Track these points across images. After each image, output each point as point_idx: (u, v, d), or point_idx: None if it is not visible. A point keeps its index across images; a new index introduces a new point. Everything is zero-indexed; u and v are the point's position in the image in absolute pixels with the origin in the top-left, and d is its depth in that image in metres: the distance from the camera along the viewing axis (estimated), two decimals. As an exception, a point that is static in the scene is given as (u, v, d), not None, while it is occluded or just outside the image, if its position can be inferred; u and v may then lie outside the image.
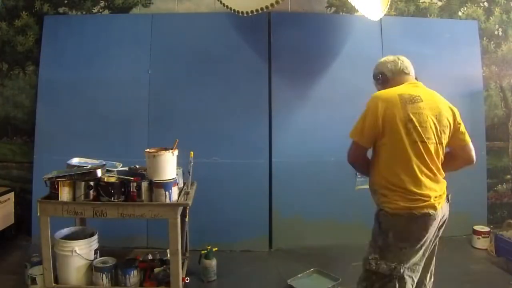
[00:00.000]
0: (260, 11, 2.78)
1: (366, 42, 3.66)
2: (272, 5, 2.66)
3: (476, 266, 3.07)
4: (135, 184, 2.34)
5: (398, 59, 1.98)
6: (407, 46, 3.68)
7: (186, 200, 2.47)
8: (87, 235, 2.59)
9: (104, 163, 2.61)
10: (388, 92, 1.83)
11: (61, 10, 3.71)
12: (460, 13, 3.91)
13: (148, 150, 2.49)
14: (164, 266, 2.57)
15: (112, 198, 2.32)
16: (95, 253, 2.55)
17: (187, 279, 2.59)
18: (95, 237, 2.57)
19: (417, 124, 1.71)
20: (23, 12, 3.69)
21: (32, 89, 3.66)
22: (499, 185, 3.93)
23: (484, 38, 3.92)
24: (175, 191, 2.39)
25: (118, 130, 3.52)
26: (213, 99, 3.52)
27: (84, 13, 3.70)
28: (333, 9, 3.78)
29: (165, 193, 2.33)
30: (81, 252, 2.43)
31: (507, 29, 3.96)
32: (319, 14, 3.74)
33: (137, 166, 2.65)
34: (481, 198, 3.81)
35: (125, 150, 3.49)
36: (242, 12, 2.88)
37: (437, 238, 1.88)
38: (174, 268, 2.35)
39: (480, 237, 3.40)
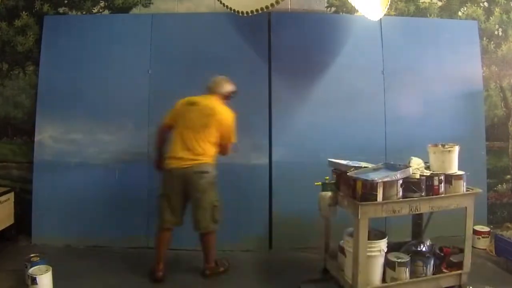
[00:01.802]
0: (260, 11, 2.77)
1: (366, 42, 3.66)
2: (272, 5, 2.66)
3: (476, 266, 3.06)
4: (437, 178, 2.49)
5: None
6: (407, 46, 3.70)
7: None
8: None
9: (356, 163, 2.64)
10: None
11: (61, 10, 3.71)
12: (460, 13, 3.91)
13: (440, 145, 2.60)
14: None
15: (422, 193, 2.45)
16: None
17: None
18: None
19: None
20: (23, 12, 3.69)
21: (32, 89, 3.66)
22: (499, 185, 3.93)
23: (484, 38, 3.91)
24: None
25: (118, 130, 3.52)
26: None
27: (84, 13, 3.70)
28: (333, 9, 3.78)
29: (463, 184, 2.54)
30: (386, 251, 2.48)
31: (507, 29, 3.96)
32: (319, 14, 3.74)
33: (391, 162, 2.66)
34: (481, 198, 3.78)
35: (125, 150, 3.51)
36: (242, 12, 2.87)
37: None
38: (467, 251, 2.61)
39: (480, 237, 3.40)
